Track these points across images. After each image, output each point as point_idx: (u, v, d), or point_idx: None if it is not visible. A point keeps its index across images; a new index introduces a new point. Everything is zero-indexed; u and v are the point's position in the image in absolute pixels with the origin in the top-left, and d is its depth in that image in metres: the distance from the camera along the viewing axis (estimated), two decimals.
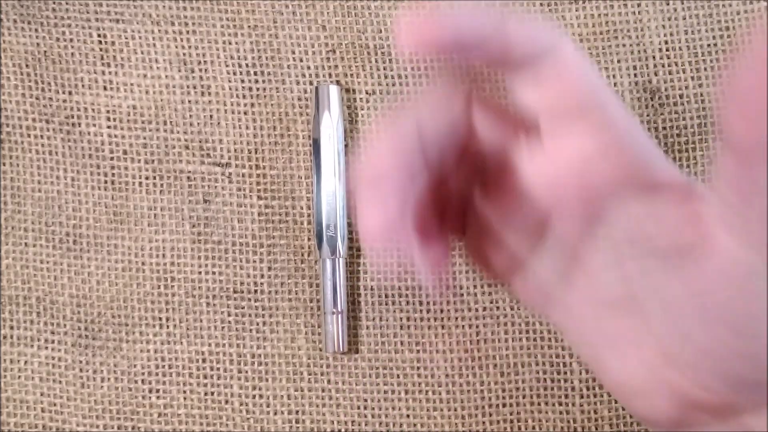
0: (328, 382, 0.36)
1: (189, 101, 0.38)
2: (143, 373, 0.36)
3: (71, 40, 0.38)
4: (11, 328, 0.37)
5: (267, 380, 0.36)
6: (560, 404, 0.36)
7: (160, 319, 0.37)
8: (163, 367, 0.36)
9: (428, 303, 0.36)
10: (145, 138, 0.38)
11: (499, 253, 0.24)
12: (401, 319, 0.36)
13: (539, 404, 0.36)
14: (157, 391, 0.36)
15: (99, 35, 0.38)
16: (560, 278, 0.23)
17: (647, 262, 0.21)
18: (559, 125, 0.21)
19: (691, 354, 0.20)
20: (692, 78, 0.37)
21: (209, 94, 0.38)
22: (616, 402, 0.35)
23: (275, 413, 0.36)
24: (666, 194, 0.21)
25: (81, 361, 0.36)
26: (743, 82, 0.16)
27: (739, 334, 0.19)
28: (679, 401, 0.21)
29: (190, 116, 0.38)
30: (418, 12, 0.19)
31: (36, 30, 0.38)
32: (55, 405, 0.36)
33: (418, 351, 0.36)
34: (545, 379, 0.36)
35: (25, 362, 0.37)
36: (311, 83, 0.38)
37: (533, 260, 0.23)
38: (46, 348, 0.37)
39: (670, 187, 0.21)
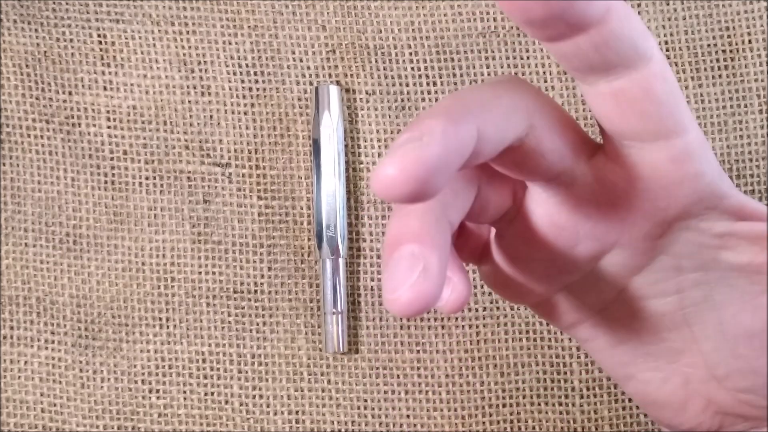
0: (328, 382, 0.36)
1: (189, 101, 0.38)
2: (143, 373, 0.36)
3: (71, 40, 0.38)
4: (11, 328, 0.37)
5: (267, 380, 0.36)
6: (560, 404, 0.36)
7: (160, 319, 0.37)
8: (163, 367, 0.36)
9: None
10: (145, 138, 0.38)
11: (523, 281, 0.23)
12: (401, 319, 0.36)
13: (539, 404, 0.36)
14: (157, 391, 0.36)
15: (99, 35, 0.38)
16: (601, 302, 0.23)
17: (711, 278, 0.21)
18: (638, 147, 0.20)
19: (739, 372, 0.20)
20: (692, 78, 0.37)
21: (209, 94, 0.38)
22: (615, 402, 0.36)
23: (275, 413, 0.36)
24: (738, 216, 0.20)
25: (81, 362, 0.36)
26: None
27: None
28: (713, 412, 0.22)
29: (190, 116, 0.38)
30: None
31: (36, 30, 0.38)
32: (55, 405, 0.36)
33: (418, 351, 0.36)
34: (545, 379, 0.36)
35: (25, 362, 0.37)
36: (311, 83, 0.38)
37: (565, 287, 0.23)
38: (46, 348, 0.37)
39: (741, 210, 0.21)
